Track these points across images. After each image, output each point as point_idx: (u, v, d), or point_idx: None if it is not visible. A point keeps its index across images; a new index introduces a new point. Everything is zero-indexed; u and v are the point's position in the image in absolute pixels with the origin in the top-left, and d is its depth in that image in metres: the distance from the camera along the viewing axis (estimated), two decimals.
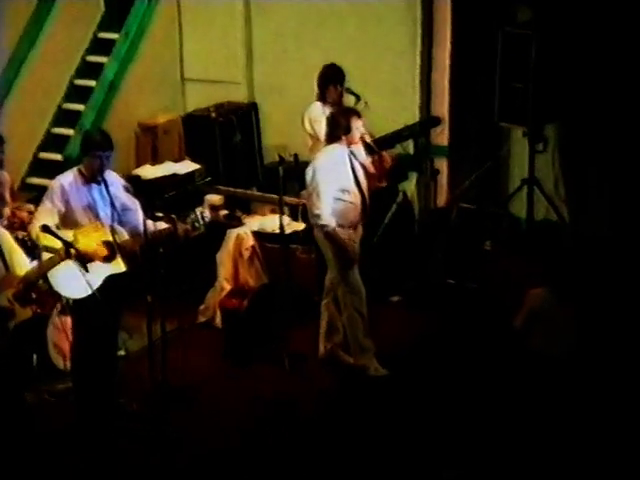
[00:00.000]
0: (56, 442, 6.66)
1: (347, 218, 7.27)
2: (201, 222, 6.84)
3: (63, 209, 6.56)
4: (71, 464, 6.51)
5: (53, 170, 9.22)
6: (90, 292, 6.39)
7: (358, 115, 7.35)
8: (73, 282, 6.44)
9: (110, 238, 6.57)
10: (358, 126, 7.27)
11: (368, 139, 7.51)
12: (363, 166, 7.41)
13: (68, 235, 6.38)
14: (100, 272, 6.55)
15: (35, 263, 6.35)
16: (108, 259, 6.57)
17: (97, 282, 6.51)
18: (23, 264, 6.33)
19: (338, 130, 7.26)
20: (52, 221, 6.45)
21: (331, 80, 8.27)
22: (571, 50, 8.63)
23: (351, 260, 7.25)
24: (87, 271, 6.36)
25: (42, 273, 6.33)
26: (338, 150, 7.25)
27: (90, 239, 6.48)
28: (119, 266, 6.60)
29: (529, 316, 6.68)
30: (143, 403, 7.01)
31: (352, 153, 7.33)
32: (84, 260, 6.36)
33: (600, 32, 8.48)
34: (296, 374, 7.52)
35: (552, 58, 8.64)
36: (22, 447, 6.32)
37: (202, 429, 6.89)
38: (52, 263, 6.29)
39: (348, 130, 7.23)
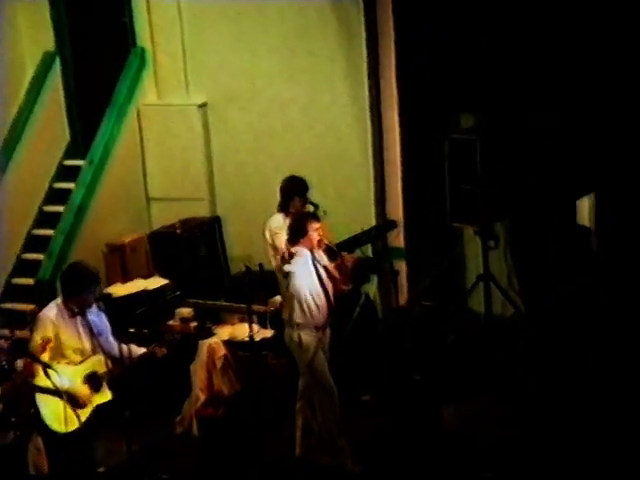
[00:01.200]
0: None
1: (314, 319, 7.26)
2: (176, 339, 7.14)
3: (53, 342, 6.54)
4: None
5: (26, 294, 9.38)
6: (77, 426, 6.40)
7: (316, 219, 7.39)
8: (60, 415, 6.42)
9: (93, 368, 6.60)
10: (316, 228, 7.27)
11: (326, 241, 7.46)
12: (326, 270, 7.41)
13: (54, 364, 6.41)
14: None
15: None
16: (95, 390, 6.60)
17: (84, 415, 6.52)
18: None
19: (296, 235, 7.30)
20: (44, 353, 6.46)
21: (295, 191, 8.21)
22: (514, 150, 8.76)
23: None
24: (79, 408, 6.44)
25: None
26: (303, 253, 7.28)
27: (74, 372, 6.51)
28: (106, 396, 6.64)
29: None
30: None
31: (314, 257, 7.32)
32: (74, 400, 6.42)
33: (539, 133, 8.63)
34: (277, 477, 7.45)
35: (496, 160, 8.75)
36: None
37: None
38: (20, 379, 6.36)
39: (304, 233, 7.25)
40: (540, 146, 8.64)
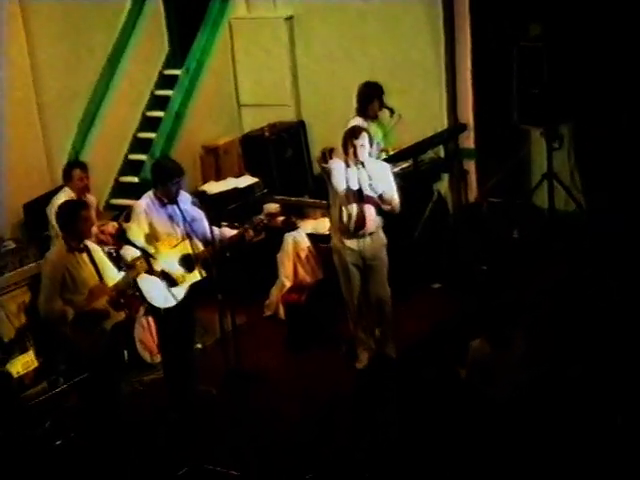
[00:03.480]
0: (147, 425, 6.76)
1: (343, 225, 7.04)
2: (265, 222, 6.97)
3: (147, 230, 6.61)
4: (160, 445, 6.59)
5: (132, 191, 9.36)
6: (175, 303, 6.49)
7: (355, 135, 6.94)
8: (161, 294, 6.55)
9: (187, 251, 6.63)
10: (354, 144, 6.88)
11: (361, 158, 6.90)
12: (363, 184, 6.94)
13: (151, 249, 6.47)
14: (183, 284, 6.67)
15: (122, 274, 6.41)
16: (188, 270, 6.64)
17: (181, 293, 6.62)
18: (113, 275, 6.39)
19: (343, 147, 7.04)
20: (139, 237, 6.53)
21: (372, 96, 8.09)
22: (578, 57, 8.55)
23: None
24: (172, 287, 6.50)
25: (129, 282, 6.38)
26: (340, 163, 7.04)
27: (171, 255, 6.57)
28: (198, 275, 6.66)
29: (472, 367, 6.04)
30: (219, 388, 7.06)
31: (361, 166, 6.90)
32: (169, 278, 6.51)
33: (602, 39, 8.38)
34: (351, 358, 7.45)
35: (562, 65, 8.58)
36: (118, 430, 6.40)
37: (270, 409, 6.90)
38: (136, 273, 6.36)
39: (345, 149, 6.97)
40: (604, 52, 8.36)
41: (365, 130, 7.08)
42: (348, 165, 6.98)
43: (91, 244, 6.44)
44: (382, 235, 7.19)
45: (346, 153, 6.97)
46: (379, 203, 7.02)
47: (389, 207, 7.06)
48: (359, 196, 6.97)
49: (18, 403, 6.80)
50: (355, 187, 6.96)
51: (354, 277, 7.17)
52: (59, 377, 7.13)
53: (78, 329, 6.12)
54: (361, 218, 7.01)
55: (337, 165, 7.04)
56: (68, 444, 6.52)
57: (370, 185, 6.93)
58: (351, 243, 7.08)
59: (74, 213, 6.21)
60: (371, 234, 7.08)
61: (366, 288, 7.23)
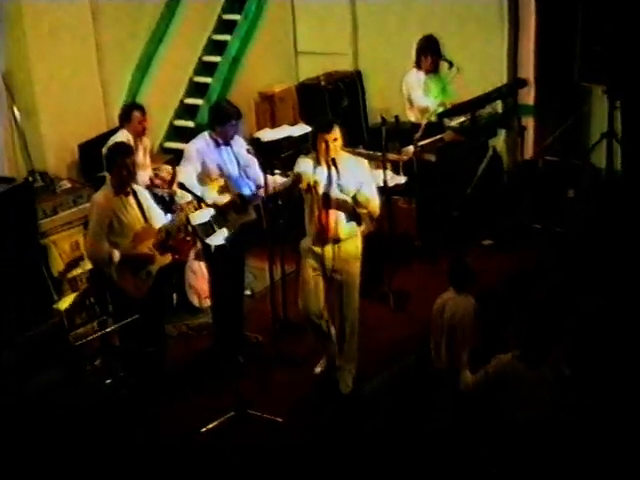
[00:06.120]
0: (193, 368, 6.82)
1: (310, 229, 6.30)
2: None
3: (200, 169, 6.61)
4: (207, 385, 6.62)
5: (186, 135, 9.21)
6: (227, 239, 6.39)
7: (325, 129, 6.08)
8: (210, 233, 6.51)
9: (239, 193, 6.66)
10: (326, 139, 6.03)
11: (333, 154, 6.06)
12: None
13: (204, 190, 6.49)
14: (234, 223, 6.64)
15: (169, 217, 6.41)
16: (239, 211, 6.65)
17: (230, 231, 6.56)
18: (160, 218, 6.38)
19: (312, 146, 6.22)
20: (192, 179, 6.53)
21: (426, 50, 8.16)
22: None
23: None
24: (226, 222, 6.50)
25: (177, 224, 6.34)
26: (307, 163, 6.23)
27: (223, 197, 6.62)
28: (249, 216, 6.68)
29: (495, 382, 5.34)
30: (265, 335, 7.07)
31: (331, 162, 6.08)
32: (222, 212, 6.52)
33: None
34: (400, 310, 7.41)
35: (628, 22, 8.18)
36: (162, 371, 6.45)
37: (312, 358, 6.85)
38: (184, 215, 6.33)
39: (313, 145, 6.16)
40: None
41: (336, 123, 6.15)
42: (319, 163, 6.12)
43: (138, 187, 6.43)
44: (357, 245, 6.30)
45: (315, 149, 6.12)
46: (351, 207, 6.16)
47: (365, 211, 6.22)
48: (324, 199, 6.09)
49: (67, 340, 6.85)
50: (321, 189, 6.09)
51: (309, 284, 6.30)
52: (108, 318, 7.16)
53: (124, 272, 6.14)
54: (323, 223, 6.12)
55: (305, 166, 6.18)
56: (118, 383, 6.54)
57: (339, 185, 6.11)
58: (316, 248, 6.23)
59: (116, 158, 6.19)
60: (339, 242, 6.19)
61: (331, 302, 6.37)
